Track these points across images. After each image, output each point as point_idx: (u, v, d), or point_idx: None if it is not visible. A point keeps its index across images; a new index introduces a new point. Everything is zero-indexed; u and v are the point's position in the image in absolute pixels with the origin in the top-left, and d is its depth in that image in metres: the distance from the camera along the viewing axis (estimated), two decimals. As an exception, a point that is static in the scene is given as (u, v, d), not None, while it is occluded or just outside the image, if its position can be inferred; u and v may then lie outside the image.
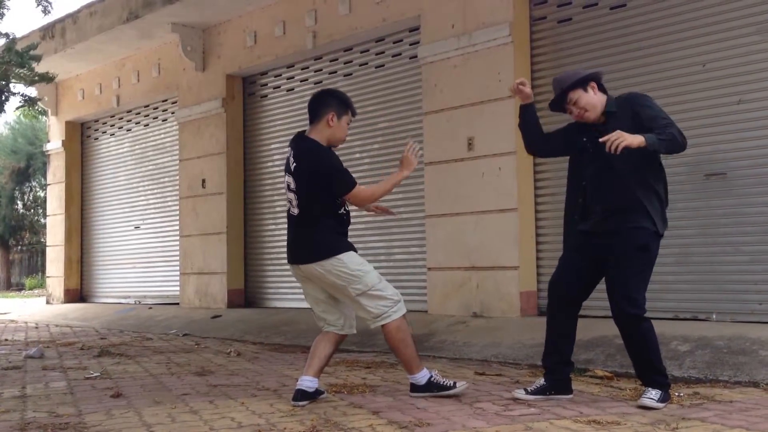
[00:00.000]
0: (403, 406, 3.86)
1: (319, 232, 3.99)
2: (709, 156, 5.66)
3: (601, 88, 3.94)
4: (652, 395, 3.70)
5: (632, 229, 3.77)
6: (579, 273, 3.96)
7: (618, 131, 3.59)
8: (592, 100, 3.88)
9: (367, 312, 4.01)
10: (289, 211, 4.11)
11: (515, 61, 6.65)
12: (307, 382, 3.99)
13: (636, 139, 3.57)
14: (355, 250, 4.08)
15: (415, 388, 4.08)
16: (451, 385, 4.03)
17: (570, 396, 3.98)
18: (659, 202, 3.85)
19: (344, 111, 4.12)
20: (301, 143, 4.11)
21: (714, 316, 5.55)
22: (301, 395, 3.95)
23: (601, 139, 3.65)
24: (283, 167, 4.18)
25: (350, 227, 4.18)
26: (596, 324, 5.35)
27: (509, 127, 6.52)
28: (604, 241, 3.84)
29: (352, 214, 4.20)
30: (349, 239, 4.12)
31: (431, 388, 4.02)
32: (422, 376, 4.04)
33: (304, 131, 4.17)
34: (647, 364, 3.82)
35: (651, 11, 6.03)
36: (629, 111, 3.83)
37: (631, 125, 3.73)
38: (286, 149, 4.26)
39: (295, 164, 4.03)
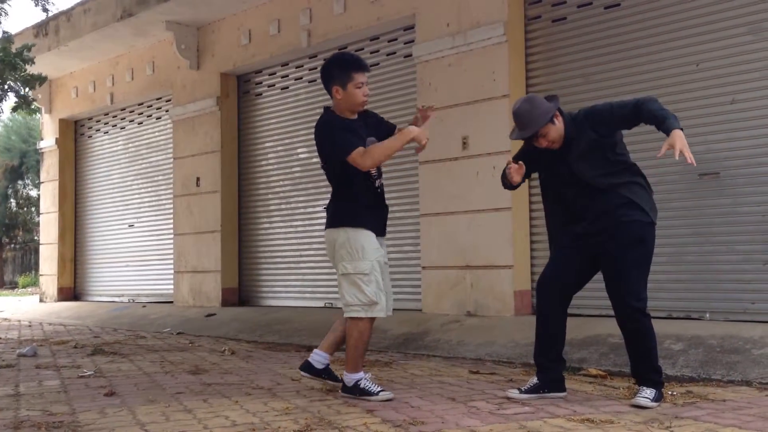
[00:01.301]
0: (397, 405, 3.86)
1: (340, 201, 4.07)
2: (702, 155, 5.67)
3: (559, 110, 3.96)
4: (647, 394, 3.72)
5: (627, 223, 3.80)
6: (574, 269, 3.96)
7: (676, 144, 3.56)
8: (559, 131, 3.91)
9: (342, 295, 4.05)
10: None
11: (510, 60, 6.66)
12: (315, 356, 4.08)
13: (680, 142, 3.58)
14: (376, 233, 4.04)
15: (343, 386, 4.08)
16: (375, 392, 3.94)
17: (563, 394, 3.98)
18: (644, 190, 3.90)
19: (347, 78, 4.00)
20: (321, 116, 4.14)
21: (707, 315, 5.57)
22: (306, 367, 4.06)
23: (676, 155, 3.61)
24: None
25: None
26: (590, 323, 5.37)
27: (503, 126, 6.53)
28: (600, 239, 3.85)
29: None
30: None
31: (355, 391, 3.99)
32: (353, 378, 4.02)
33: (330, 106, 4.20)
34: (646, 361, 3.83)
35: (645, 11, 6.04)
36: (587, 129, 3.87)
37: (590, 141, 3.83)
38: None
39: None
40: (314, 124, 4.19)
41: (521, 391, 3.95)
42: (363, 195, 4.04)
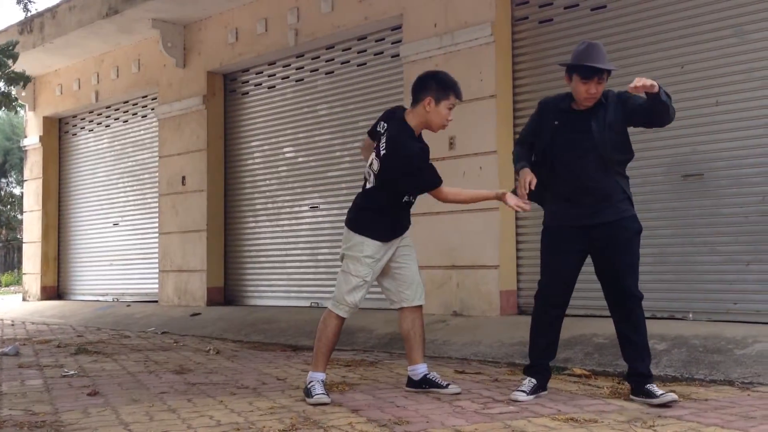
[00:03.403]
0: (382, 405, 3.86)
1: (371, 209, 4.11)
2: (686, 157, 5.72)
3: None
4: (662, 390, 3.79)
5: (628, 218, 3.91)
6: (574, 273, 4.01)
7: (638, 77, 3.66)
8: (604, 87, 3.95)
9: (335, 287, 4.16)
10: (365, 182, 4.19)
11: (497, 60, 6.68)
12: (410, 371, 4.30)
13: (649, 80, 3.65)
14: (386, 240, 4.12)
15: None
16: (313, 394, 3.92)
17: (545, 392, 4.04)
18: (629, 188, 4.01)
19: (444, 95, 4.03)
20: (392, 128, 4.08)
21: (690, 316, 5.61)
22: (407, 382, 4.31)
23: (630, 87, 3.66)
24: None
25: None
26: (574, 323, 5.39)
27: (490, 126, 6.55)
28: (603, 233, 3.88)
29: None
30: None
31: (306, 390, 4.00)
32: (311, 378, 4.04)
33: (401, 106, 4.19)
34: (645, 351, 3.90)
35: (631, 13, 6.08)
36: (618, 105, 3.91)
37: (617, 117, 3.87)
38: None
39: (384, 151, 4.04)
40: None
41: (527, 394, 3.94)
42: (393, 210, 4.12)
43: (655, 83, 3.69)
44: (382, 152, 4.05)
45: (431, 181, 4.05)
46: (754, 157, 5.41)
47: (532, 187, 3.96)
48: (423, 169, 4.02)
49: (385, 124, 4.14)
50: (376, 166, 4.08)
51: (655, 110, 3.81)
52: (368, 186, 4.14)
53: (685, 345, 4.87)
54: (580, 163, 3.90)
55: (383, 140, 4.08)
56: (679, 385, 4.32)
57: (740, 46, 5.50)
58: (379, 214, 4.10)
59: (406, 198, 4.12)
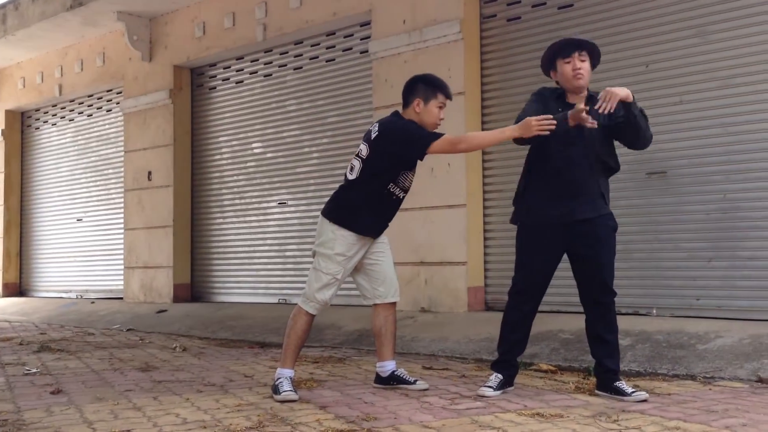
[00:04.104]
0: (350, 401, 3.87)
1: (349, 196, 4.11)
2: (650, 155, 5.79)
3: None
4: (632, 388, 3.85)
5: (606, 215, 3.97)
6: (551, 272, 4.04)
7: (606, 89, 3.71)
8: (590, 74, 3.98)
9: (306, 283, 4.16)
10: (346, 176, 4.19)
11: (465, 57, 6.71)
12: (378, 368, 4.29)
13: (623, 91, 3.71)
14: (368, 235, 4.12)
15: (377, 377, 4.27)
16: (281, 391, 3.92)
17: (512, 387, 4.08)
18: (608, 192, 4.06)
19: (432, 95, 4.11)
20: (390, 117, 4.17)
21: (654, 311, 5.70)
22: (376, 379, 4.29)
23: (599, 106, 3.71)
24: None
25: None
26: (541, 319, 5.42)
27: (459, 123, 6.57)
28: (584, 229, 3.91)
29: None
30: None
31: (274, 387, 4.01)
32: (279, 374, 4.05)
33: (396, 111, 4.23)
34: (617, 349, 3.96)
35: (597, 12, 6.15)
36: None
37: (605, 116, 3.85)
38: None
39: (376, 134, 4.09)
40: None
41: (494, 389, 3.96)
42: (375, 202, 4.10)
43: (629, 93, 3.74)
44: (374, 135, 4.10)
45: (433, 135, 4.01)
46: (715, 155, 5.51)
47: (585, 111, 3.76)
48: (422, 132, 4.03)
49: (377, 124, 4.20)
50: (364, 151, 4.11)
51: (629, 123, 3.84)
52: (351, 177, 4.15)
53: (649, 340, 4.95)
54: (569, 156, 3.89)
55: (374, 129, 4.14)
56: (642, 379, 4.39)
57: (702, 46, 5.59)
58: (361, 205, 4.09)
59: (391, 187, 4.08)
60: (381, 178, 4.07)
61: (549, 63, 4.04)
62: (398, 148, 4.02)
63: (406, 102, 4.18)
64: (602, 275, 3.93)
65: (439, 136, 3.99)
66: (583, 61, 3.93)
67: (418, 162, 4.14)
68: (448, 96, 4.17)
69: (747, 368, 4.33)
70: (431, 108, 4.11)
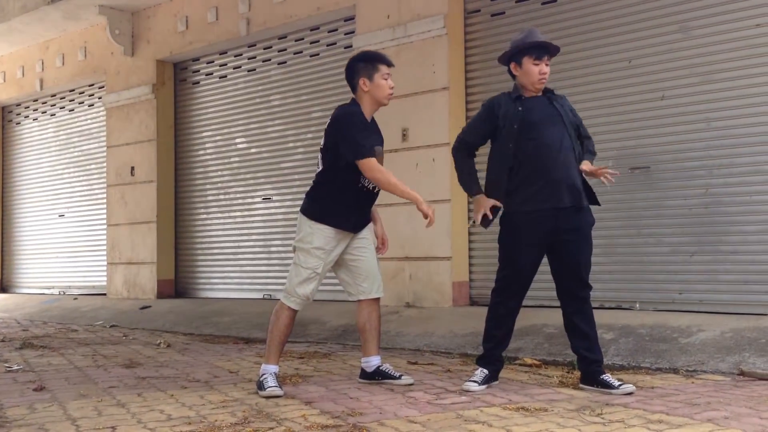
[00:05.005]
0: (335, 396, 3.87)
1: (320, 191, 4.11)
2: (633, 150, 5.84)
3: None
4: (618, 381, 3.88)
5: (586, 208, 4.02)
6: (535, 267, 4.06)
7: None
8: (548, 72, 4.07)
9: (287, 279, 4.16)
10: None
11: (449, 52, 6.71)
12: (363, 363, 4.28)
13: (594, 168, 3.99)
14: (344, 229, 4.09)
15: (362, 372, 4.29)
16: (266, 386, 3.92)
17: (497, 382, 4.10)
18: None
19: (374, 69, 4.09)
20: (346, 107, 4.14)
21: (637, 305, 5.74)
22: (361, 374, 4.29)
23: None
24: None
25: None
26: (525, 313, 5.45)
27: (443, 118, 6.58)
28: (568, 217, 3.93)
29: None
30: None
31: (259, 382, 4.01)
32: (263, 370, 4.05)
33: (354, 99, 4.18)
34: (597, 341, 3.99)
35: (580, 7, 6.17)
36: (562, 100, 4.14)
37: (571, 112, 4.08)
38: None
39: (328, 122, 4.12)
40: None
41: (479, 384, 3.97)
42: (348, 195, 4.08)
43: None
44: (327, 126, 4.12)
45: (358, 145, 3.95)
46: (697, 150, 5.55)
47: (490, 216, 4.04)
48: (353, 132, 3.99)
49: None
50: (322, 142, 4.14)
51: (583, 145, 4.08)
52: (318, 170, 4.18)
53: (632, 334, 4.99)
54: (552, 136, 3.92)
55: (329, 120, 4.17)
56: (626, 373, 4.43)
57: (685, 41, 5.63)
58: (333, 199, 4.07)
59: (363, 182, 4.06)
60: (345, 171, 4.04)
61: (514, 56, 4.06)
62: (339, 141, 4.02)
63: (353, 86, 4.15)
64: (581, 270, 3.98)
65: (372, 155, 3.97)
66: (548, 65, 4.04)
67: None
68: (389, 63, 4.15)
69: (729, 361, 4.38)
70: (378, 81, 4.09)
